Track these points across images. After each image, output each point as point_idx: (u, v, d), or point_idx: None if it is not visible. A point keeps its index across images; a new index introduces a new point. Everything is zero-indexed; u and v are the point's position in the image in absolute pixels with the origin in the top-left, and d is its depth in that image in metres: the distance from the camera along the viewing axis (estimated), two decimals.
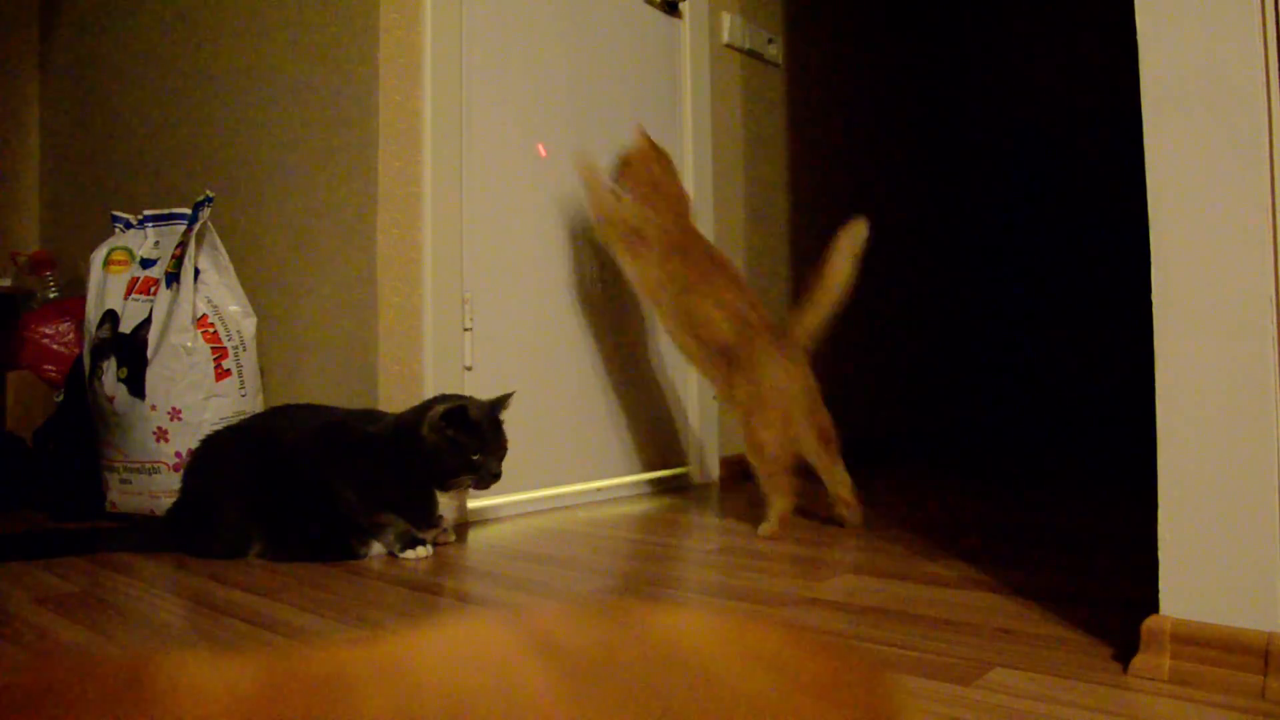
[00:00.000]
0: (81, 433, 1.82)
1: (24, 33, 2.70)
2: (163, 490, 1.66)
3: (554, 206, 2.03)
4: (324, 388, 1.79)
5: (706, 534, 1.69)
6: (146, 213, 1.85)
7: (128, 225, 1.87)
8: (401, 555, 1.45)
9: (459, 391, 1.71)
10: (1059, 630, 1.00)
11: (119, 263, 1.82)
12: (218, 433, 1.54)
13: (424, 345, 1.75)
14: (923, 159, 3.56)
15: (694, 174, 2.36)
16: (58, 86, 2.66)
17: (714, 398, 2.37)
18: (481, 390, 1.69)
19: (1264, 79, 0.81)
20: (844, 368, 3.00)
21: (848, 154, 3.07)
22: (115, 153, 2.41)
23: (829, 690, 0.22)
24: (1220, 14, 0.83)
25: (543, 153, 1.86)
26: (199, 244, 1.74)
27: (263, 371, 1.82)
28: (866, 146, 3.18)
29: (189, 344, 1.69)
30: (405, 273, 1.74)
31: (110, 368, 1.72)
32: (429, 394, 1.68)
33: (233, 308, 1.77)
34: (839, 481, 1.72)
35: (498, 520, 1.84)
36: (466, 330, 1.82)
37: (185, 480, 1.52)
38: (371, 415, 1.57)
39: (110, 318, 1.77)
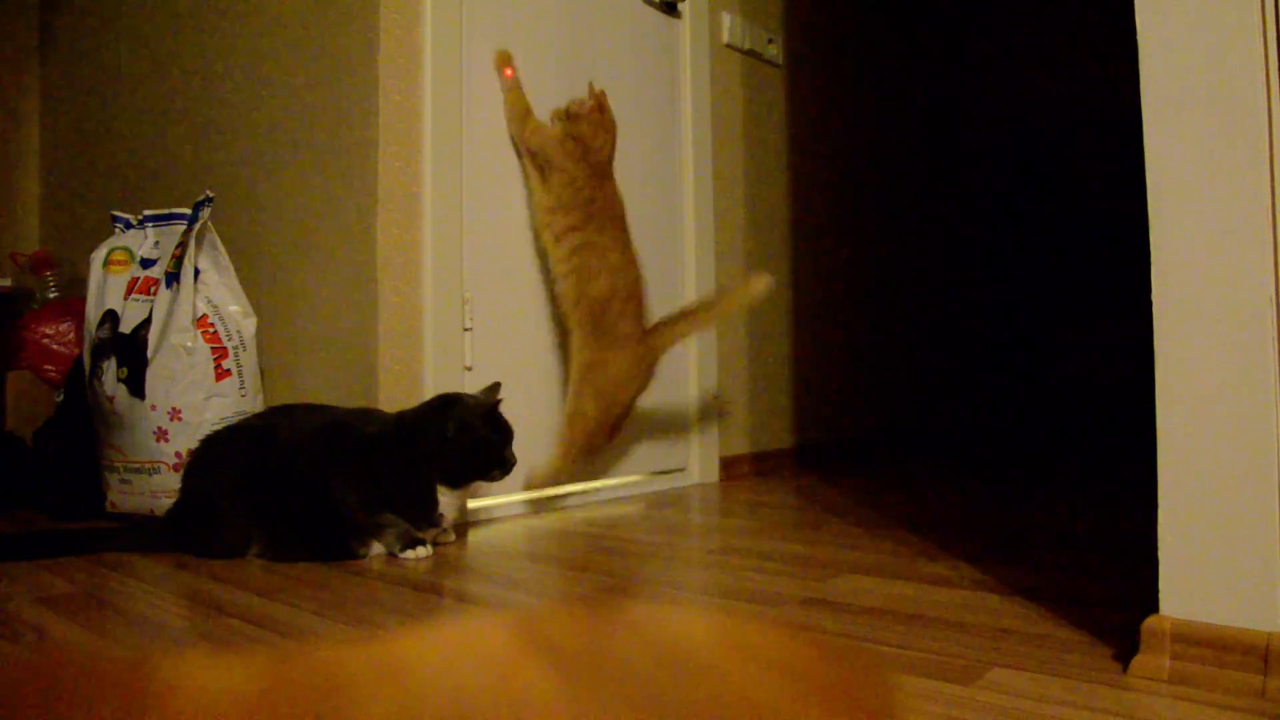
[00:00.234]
0: (81, 433, 1.82)
1: (24, 32, 2.70)
2: (163, 490, 1.66)
3: None
4: (324, 388, 1.79)
5: (706, 534, 1.69)
6: (146, 213, 1.85)
7: (128, 225, 1.87)
8: (401, 555, 1.45)
9: (458, 391, 1.71)
10: (1059, 630, 1.00)
11: (119, 263, 1.82)
12: (217, 433, 1.54)
13: (424, 345, 1.75)
14: (923, 158, 3.56)
15: (694, 174, 2.36)
16: (58, 86, 2.66)
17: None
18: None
19: (1264, 79, 0.81)
20: (844, 367, 3.00)
21: (848, 153, 3.07)
22: (115, 153, 2.41)
23: (829, 691, 0.22)
24: (1220, 14, 0.83)
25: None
26: (199, 244, 1.74)
27: (263, 371, 1.82)
28: (866, 146, 3.18)
29: (189, 344, 1.69)
30: (405, 273, 1.74)
31: (110, 368, 1.72)
32: (429, 394, 1.68)
33: (233, 308, 1.77)
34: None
35: (498, 520, 1.84)
36: (466, 330, 1.82)
37: (185, 480, 1.52)
38: (370, 414, 1.57)
39: (110, 318, 1.77)
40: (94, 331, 1.78)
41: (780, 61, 2.72)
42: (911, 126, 3.49)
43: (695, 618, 0.24)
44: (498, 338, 1.89)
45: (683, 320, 1.90)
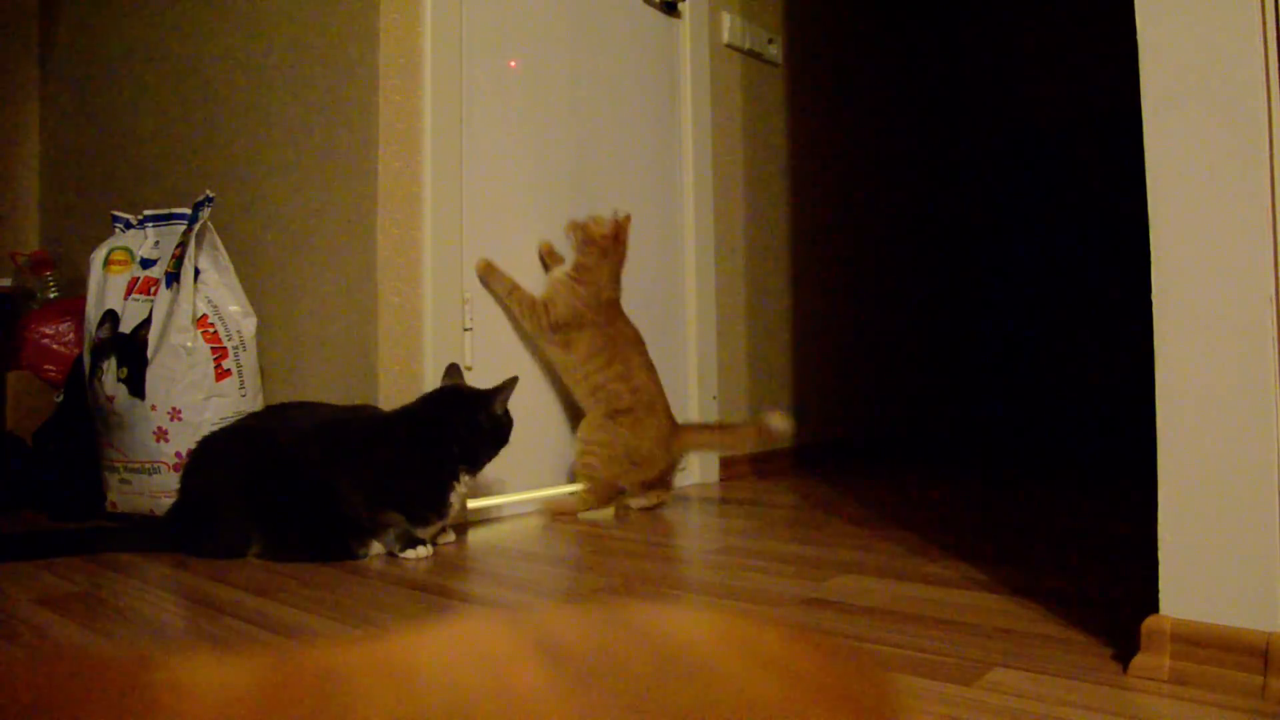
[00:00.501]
0: (81, 433, 1.82)
1: (24, 32, 2.70)
2: (163, 490, 1.66)
3: (554, 206, 2.03)
4: (324, 388, 1.79)
5: (706, 534, 1.69)
6: (146, 213, 1.85)
7: (128, 225, 1.87)
8: (401, 555, 1.45)
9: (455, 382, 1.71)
10: (1059, 630, 1.00)
11: (119, 263, 1.82)
12: (216, 433, 1.55)
13: (424, 345, 1.75)
14: (923, 158, 3.56)
15: (694, 174, 2.36)
16: (58, 86, 2.66)
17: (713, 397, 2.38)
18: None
19: (1264, 79, 0.81)
20: (844, 368, 3.00)
21: (848, 153, 3.07)
22: (115, 153, 2.41)
23: (829, 691, 0.22)
24: (1220, 14, 0.83)
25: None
26: (199, 244, 1.74)
27: (263, 371, 1.82)
28: (867, 146, 3.18)
29: (189, 344, 1.69)
30: (405, 273, 1.74)
31: (110, 368, 1.72)
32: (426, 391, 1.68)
33: (233, 308, 1.77)
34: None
35: (498, 520, 1.84)
36: (466, 330, 1.82)
37: (184, 480, 1.52)
38: (367, 411, 1.58)
39: (110, 318, 1.77)
40: (94, 331, 1.78)
41: (780, 61, 2.72)
42: (911, 126, 3.49)
43: (695, 618, 0.24)
44: (498, 338, 1.89)
45: (709, 432, 1.96)
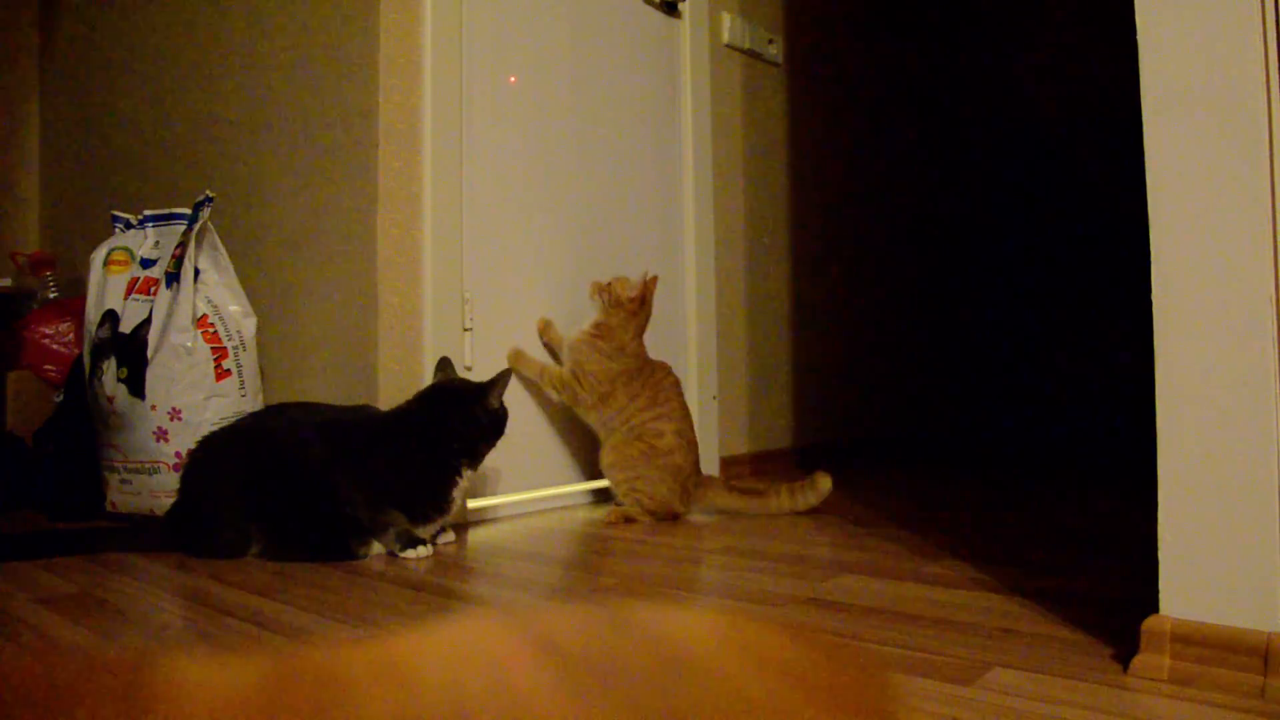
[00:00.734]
0: (81, 433, 1.82)
1: (24, 32, 2.70)
2: (163, 490, 1.66)
3: (554, 206, 2.03)
4: (324, 388, 1.79)
5: (706, 534, 1.69)
6: (146, 213, 1.85)
7: (128, 225, 1.87)
8: (401, 555, 1.45)
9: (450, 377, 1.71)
10: (1059, 630, 1.00)
11: (119, 263, 1.82)
12: (215, 433, 1.55)
13: (424, 345, 1.75)
14: (923, 158, 3.56)
15: (694, 174, 2.36)
16: (58, 86, 2.66)
17: (714, 397, 2.37)
18: None
19: (1264, 79, 0.81)
20: (844, 367, 3.00)
21: (848, 153, 3.07)
22: (115, 153, 2.41)
23: (829, 690, 0.22)
24: (1220, 14, 0.83)
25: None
26: (199, 244, 1.74)
27: (263, 371, 1.82)
28: (867, 146, 3.18)
29: (189, 344, 1.69)
30: (405, 273, 1.74)
31: (110, 368, 1.72)
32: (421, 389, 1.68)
33: (233, 308, 1.77)
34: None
35: (498, 520, 1.84)
36: (466, 330, 1.82)
37: (184, 481, 1.52)
38: (366, 411, 1.58)
39: (110, 318, 1.77)
40: (94, 331, 1.78)
41: (780, 61, 2.72)
42: (912, 126, 3.49)
43: (695, 618, 0.24)
44: (498, 338, 1.89)
45: (734, 494, 1.90)
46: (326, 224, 1.81)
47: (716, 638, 0.23)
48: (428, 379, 1.73)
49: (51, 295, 2.40)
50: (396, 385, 1.70)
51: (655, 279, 1.92)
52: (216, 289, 1.76)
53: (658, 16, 2.31)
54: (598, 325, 1.87)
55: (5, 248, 2.54)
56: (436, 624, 0.23)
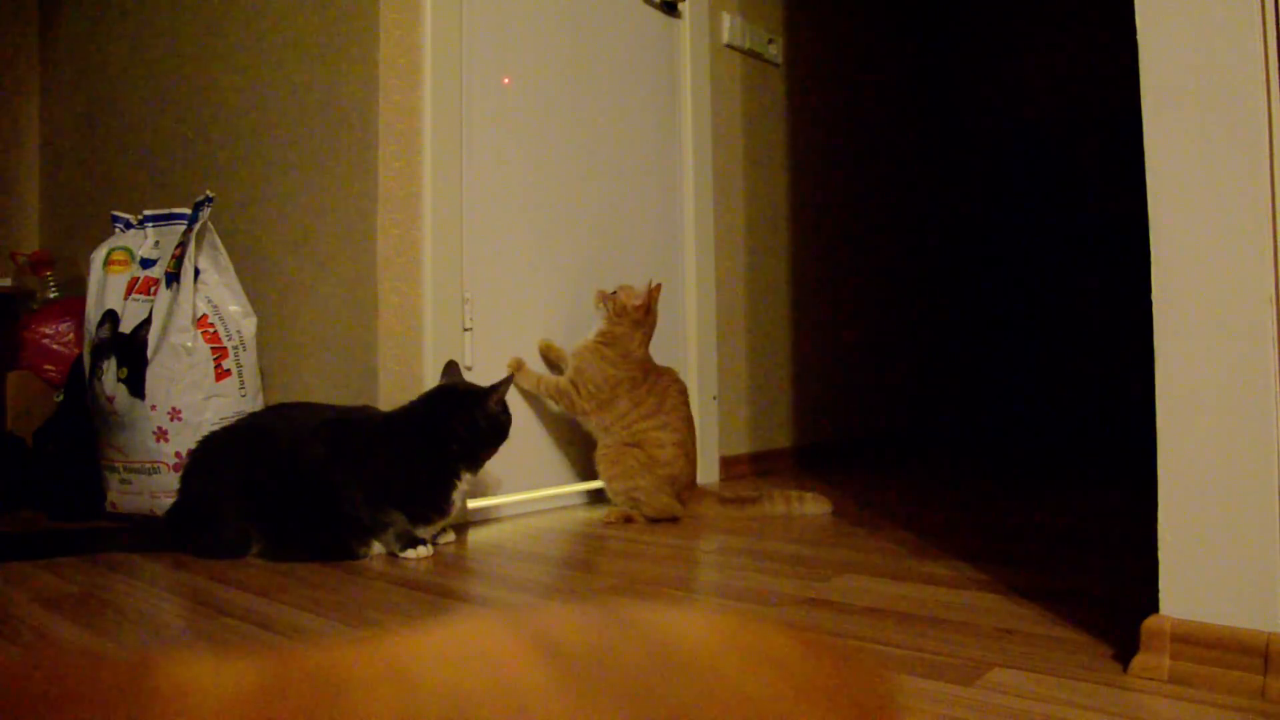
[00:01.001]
0: (81, 433, 1.82)
1: (24, 32, 2.70)
2: (163, 490, 1.66)
3: (554, 206, 2.03)
4: (324, 388, 1.79)
5: (706, 534, 1.69)
6: (146, 213, 1.85)
7: (128, 225, 1.87)
8: (402, 555, 1.45)
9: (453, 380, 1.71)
10: (1059, 630, 1.00)
11: (119, 263, 1.82)
12: (215, 433, 1.55)
13: (424, 345, 1.75)
14: (923, 158, 3.56)
15: (694, 173, 2.36)
16: (58, 86, 2.66)
17: (713, 397, 2.37)
18: None
19: (1264, 78, 0.81)
20: (844, 367, 3.00)
21: (847, 153, 3.07)
22: (115, 153, 2.41)
23: (829, 690, 0.22)
24: (1220, 13, 0.83)
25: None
26: (199, 244, 1.74)
27: (263, 371, 1.82)
28: (866, 146, 3.18)
29: (189, 344, 1.69)
30: (405, 273, 1.74)
31: (110, 368, 1.72)
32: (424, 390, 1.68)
33: (233, 308, 1.77)
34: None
35: (498, 520, 1.84)
36: (466, 330, 1.82)
37: (184, 481, 1.52)
38: (366, 411, 1.58)
39: (110, 318, 1.77)
40: (94, 331, 1.78)
41: (780, 61, 2.72)
42: (912, 126, 3.49)
43: (695, 618, 0.24)
44: (498, 338, 1.89)
45: (727, 507, 1.89)
46: (326, 224, 1.81)
47: (716, 638, 0.23)
48: (428, 379, 1.74)
49: (51, 295, 2.40)
50: (396, 385, 1.70)
51: (659, 286, 1.91)
52: (216, 289, 1.76)
53: (658, 16, 2.31)
54: (603, 333, 1.87)
55: (5, 248, 2.54)
56: (436, 624, 0.23)
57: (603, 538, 1.66)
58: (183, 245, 1.74)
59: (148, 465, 1.69)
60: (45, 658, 0.19)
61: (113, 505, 1.75)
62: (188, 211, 1.78)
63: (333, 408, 1.58)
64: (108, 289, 1.80)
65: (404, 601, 1.20)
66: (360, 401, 1.69)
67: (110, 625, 1.07)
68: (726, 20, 2.49)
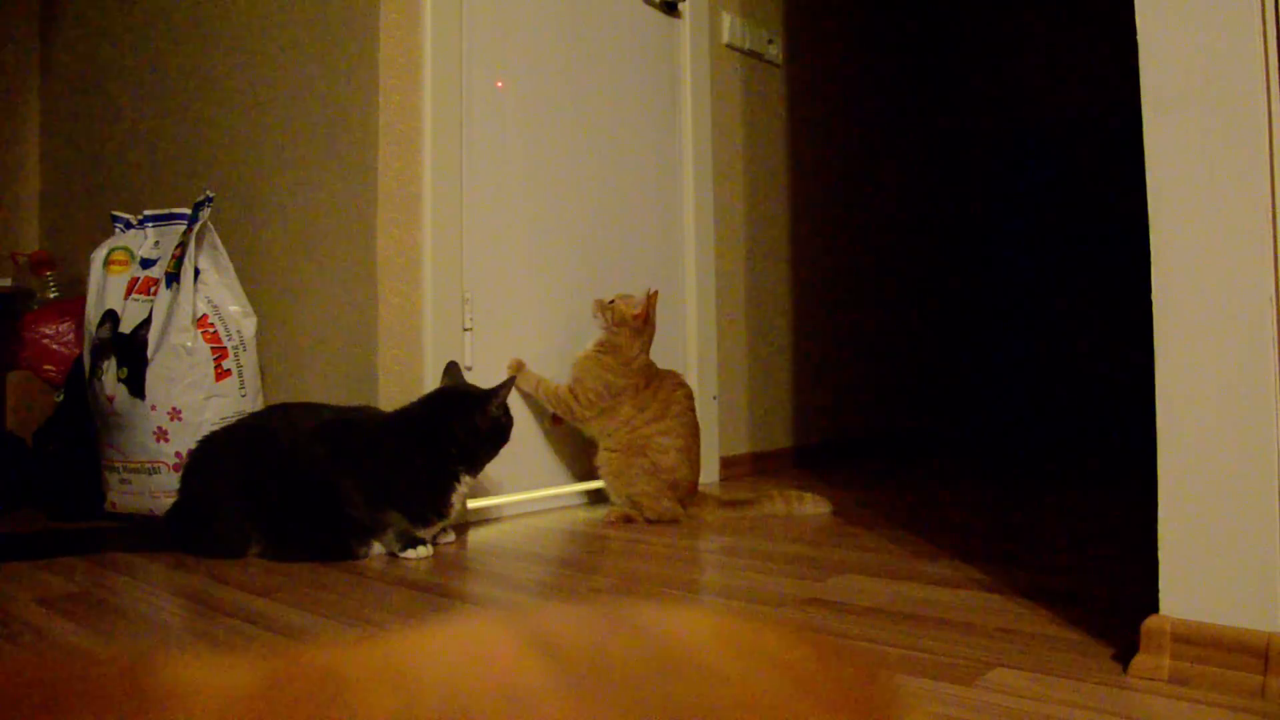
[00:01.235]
0: (81, 433, 1.82)
1: (24, 33, 2.70)
2: (163, 490, 1.66)
3: (554, 206, 2.03)
4: (324, 388, 1.79)
5: (706, 534, 1.69)
6: (146, 213, 1.85)
7: (128, 225, 1.87)
8: (402, 555, 1.45)
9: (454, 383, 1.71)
10: (1059, 630, 1.00)
11: (119, 263, 1.82)
12: (215, 433, 1.55)
13: (424, 345, 1.75)
14: (923, 158, 3.56)
15: (694, 174, 2.36)
16: (58, 86, 2.66)
17: (714, 398, 2.37)
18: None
19: (1264, 79, 0.81)
20: (844, 367, 3.00)
21: (848, 153, 3.07)
22: (115, 153, 2.41)
23: (829, 691, 0.22)
24: (1220, 14, 0.83)
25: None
26: (199, 244, 1.74)
27: (263, 371, 1.82)
28: (866, 146, 3.18)
29: (189, 344, 1.69)
30: (405, 273, 1.74)
31: (110, 368, 1.72)
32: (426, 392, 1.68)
33: (233, 308, 1.77)
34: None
35: (498, 520, 1.84)
36: (466, 330, 1.82)
37: (184, 480, 1.52)
38: (367, 411, 1.58)
39: (110, 318, 1.77)
40: (94, 331, 1.78)
41: (780, 61, 2.72)
42: (912, 126, 3.49)
43: (695, 618, 0.24)
44: (498, 338, 1.89)
45: (727, 509, 1.88)
46: (326, 224, 1.81)
47: (716, 638, 0.23)
48: (428, 379, 1.74)
49: (51, 295, 2.40)
50: (396, 385, 1.70)
51: (656, 294, 1.90)
52: (216, 289, 1.76)
53: (658, 16, 2.31)
54: (602, 343, 1.87)
55: (5, 248, 2.54)
56: (436, 624, 0.23)
57: (603, 538, 1.66)
58: (183, 245, 1.73)
59: (148, 465, 1.69)
60: (45, 658, 0.19)
61: (113, 505, 1.75)
62: (188, 211, 1.78)
63: (333, 408, 1.58)
64: (108, 289, 1.80)
65: (404, 601, 1.20)
66: (360, 401, 1.69)
67: (110, 625, 1.07)
68: (726, 20, 2.49)
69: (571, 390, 1.85)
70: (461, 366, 1.80)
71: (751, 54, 2.60)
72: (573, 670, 0.21)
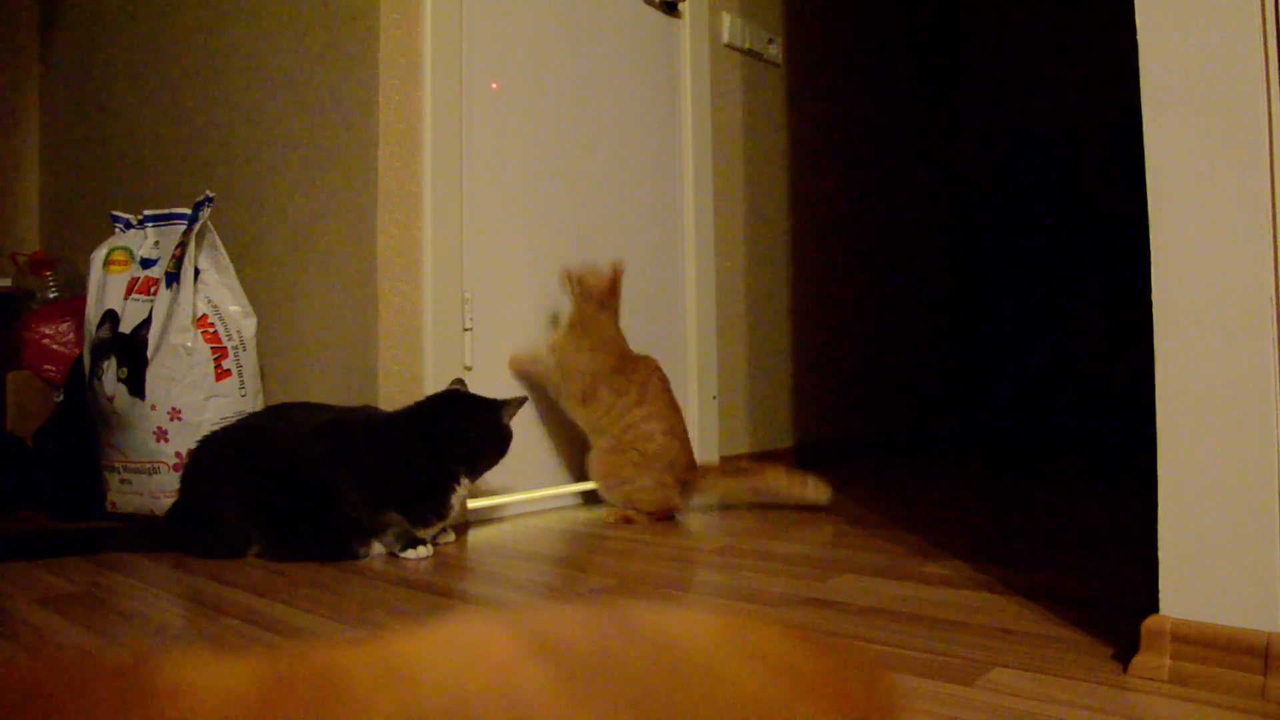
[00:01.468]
0: (81, 433, 1.82)
1: (24, 32, 2.70)
2: (163, 490, 1.66)
3: (554, 205, 2.03)
4: (324, 388, 1.79)
5: (706, 534, 1.69)
6: (146, 213, 1.85)
7: (128, 225, 1.87)
8: (402, 555, 1.45)
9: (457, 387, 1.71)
10: (1059, 630, 1.00)
11: (119, 263, 1.82)
12: (215, 433, 1.55)
13: (424, 345, 1.75)
14: (923, 158, 3.56)
15: (694, 174, 2.36)
16: (58, 86, 2.66)
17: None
18: (481, 390, 1.69)
19: (1264, 79, 0.81)
20: (844, 367, 3.00)
21: (848, 153, 3.07)
22: (115, 153, 2.41)
23: (829, 691, 0.22)
24: (1220, 14, 0.83)
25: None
26: (199, 244, 1.74)
27: (263, 371, 1.82)
28: (866, 146, 3.18)
29: (189, 344, 1.69)
30: (405, 273, 1.74)
31: (110, 368, 1.72)
32: (429, 394, 1.68)
33: (233, 308, 1.77)
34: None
35: (498, 520, 1.84)
36: (466, 330, 1.82)
37: (184, 481, 1.52)
38: (368, 412, 1.57)
39: (110, 318, 1.77)
40: (94, 331, 1.78)
41: (780, 61, 2.72)
42: (912, 126, 3.49)
43: (695, 618, 0.24)
44: (498, 338, 1.89)
45: (729, 478, 1.89)
46: (326, 224, 1.81)
47: (716, 638, 0.23)
48: (428, 379, 1.74)
49: (51, 295, 2.40)
50: (396, 385, 1.70)
51: (623, 264, 1.89)
52: (216, 289, 1.76)
53: (658, 16, 2.31)
54: (574, 323, 1.85)
55: (5, 248, 2.54)
56: (436, 624, 0.23)
57: (603, 538, 1.66)
58: (183, 245, 1.74)
59: (148, 465, 1.69)
60: (45, 658, 0.19)
61: (113, 505, 1.75)
62: (188, 211, 1.78)
63: (333, 408, 1.58)
64: (108, 289, 1.80)
65: (404, 601, 1.20)
66: (360, 401, 1.69)
67: (110, 625, 1.07)
68: (726, 20, 2.49)
69: (560, 371, 1.84)
70: (462, 366, 1.80)
71: (751, 54, 2.60)
72: (572, 670, 0.21)
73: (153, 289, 1.76)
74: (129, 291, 1.78)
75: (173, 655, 0.20)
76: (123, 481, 1.73)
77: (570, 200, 2.06)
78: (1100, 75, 3.59)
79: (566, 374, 1.83)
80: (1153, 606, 0.86)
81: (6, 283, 2.41)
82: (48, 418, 2.01)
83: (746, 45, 2.56)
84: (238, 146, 2.01)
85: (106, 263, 1.82)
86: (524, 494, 1.93)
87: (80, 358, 1.87)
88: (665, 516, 1.82)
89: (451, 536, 1.60)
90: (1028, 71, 3.89)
